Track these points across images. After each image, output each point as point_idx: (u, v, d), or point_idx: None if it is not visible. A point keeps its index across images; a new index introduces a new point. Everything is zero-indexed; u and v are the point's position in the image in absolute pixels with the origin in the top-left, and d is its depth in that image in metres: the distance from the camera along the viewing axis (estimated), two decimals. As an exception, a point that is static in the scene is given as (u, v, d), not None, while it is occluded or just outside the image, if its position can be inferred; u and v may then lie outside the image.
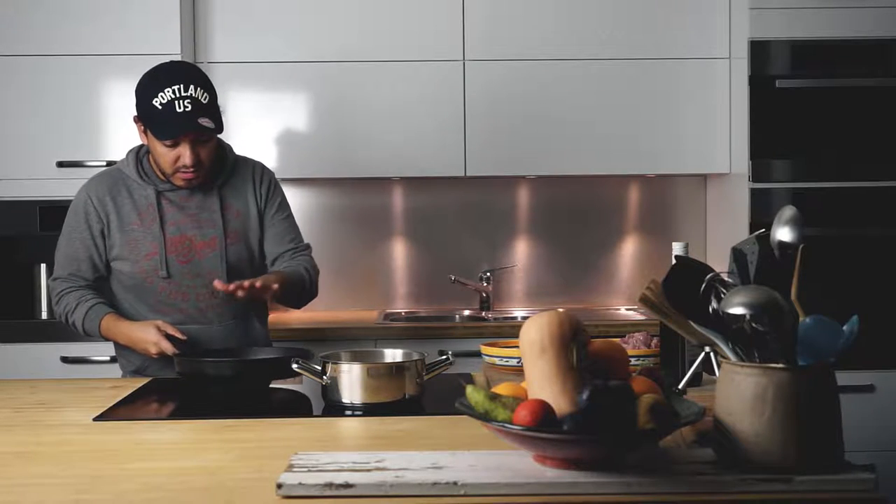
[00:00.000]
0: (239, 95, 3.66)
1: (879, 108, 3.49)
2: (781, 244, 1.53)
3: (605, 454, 1.43)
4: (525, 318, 3.34)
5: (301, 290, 2.56)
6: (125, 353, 2.58)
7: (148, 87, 2.43)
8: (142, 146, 2.56)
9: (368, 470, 1.43)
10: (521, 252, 4.03)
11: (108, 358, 3.41)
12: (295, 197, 3.97)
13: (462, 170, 3.68)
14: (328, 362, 2.03)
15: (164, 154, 2.43)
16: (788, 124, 3.49)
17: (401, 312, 3.88)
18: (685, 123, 3.71)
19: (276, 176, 3.86)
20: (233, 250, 2.54)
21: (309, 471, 1.43)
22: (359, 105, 3.64)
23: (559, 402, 1.46)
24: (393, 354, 2.17)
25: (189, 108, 2.37)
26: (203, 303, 2.53)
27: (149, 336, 2.37)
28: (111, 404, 2.07)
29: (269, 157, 3.66)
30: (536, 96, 3.68)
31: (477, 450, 1.57)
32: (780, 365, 1.41)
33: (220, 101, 2.48)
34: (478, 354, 2.45)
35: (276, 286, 2.39)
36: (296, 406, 2.08)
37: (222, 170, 2.57)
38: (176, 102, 2.37)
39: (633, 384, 1.49)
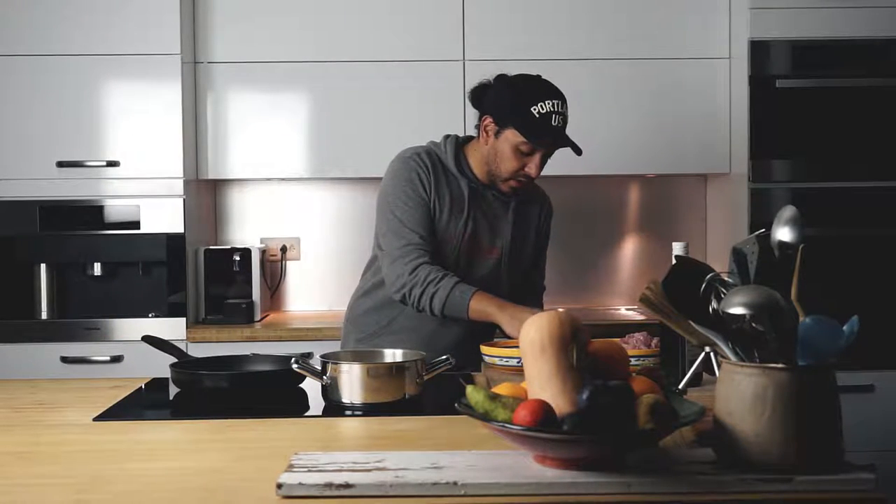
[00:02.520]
0: (239, 95, 3.66)
1: (879, 108, 3.49)
2: (781, 244, 1.53)
3: (605, 454, 1.43)
4: (525, 318, 3.34)
5: None
6: (370, 316, 2.65)
7: (525, 94, 2.51)
8: (458, 139, 2.64)
9: (368, 470, 1.43)
10: (521, 252, 4.02)
11: (108, 358, 3.41)
12: (295, 197, 3.97)
13: (462, 170, 3.68)
14: (328, 362, 2.03)
15: (512, 159, 2.52)
16: (788, 124, 3.49)
17: (401, 312, 3.87)
18: (685, 123, 3.70)
19: (275, 176, 3.88)
20: (511, 267, 2.64)
21: (309, 471, 1.43)
22: (359, 105, 3.64)
23: (559, 402, 1.46)
24: (393, 354, 2.17)
25: (561, 125, 2.50)
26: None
27: (522, 316, 2.35)
28: (111, 404, 2.07)
29: (268, 157, 3.67)
30: (536, 96, 3.67)
31: (477, 450, 1.56)
32: (780, 365, 1.41)
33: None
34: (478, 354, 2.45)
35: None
36: (296, 406, 2.07)
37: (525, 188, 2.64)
38: (553, 116, 2.48)
39: (633, 384, 1.49)
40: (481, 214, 2.60)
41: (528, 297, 2.70)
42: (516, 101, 2.51)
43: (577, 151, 2.53)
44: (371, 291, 2.70)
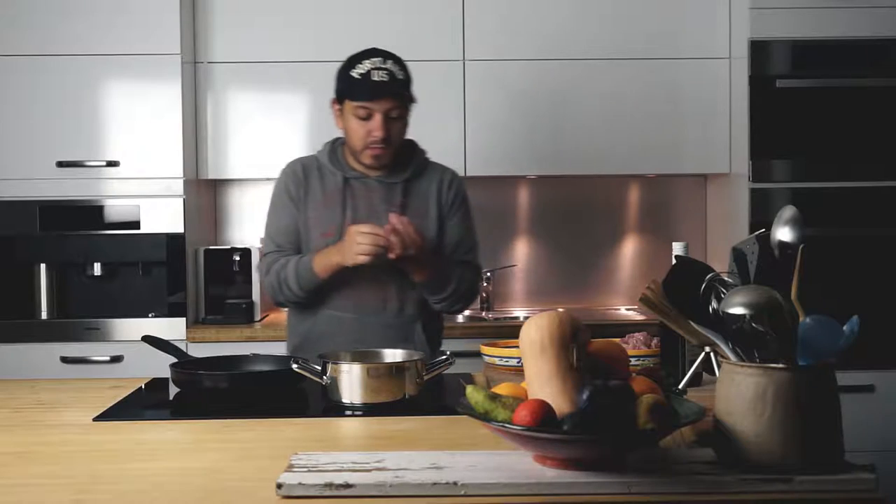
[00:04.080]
0: (239, 95, 3.66)
1: (879, 108, 3.49)
2: (781, 244, 1.53)
3: (605, 454, 1.43)
4: (525, 318, 3.35)
5: (450, 281, 2.55)
6: (290, 328, 2.66)
7: (347, 63, 2.55)
8: (337, 139, 2.66)
9: (368, 470, 1.43)
10: (521, 252, 4.03)
11: (108, 358, 3.41)
12: (295, 197, 3.97)
13: (462, 170, 3.68)
14: (328, 362, 2.03)
15: (357, 129, 2.52)
16: (788, 124, 3.49)
17: (401, 312, 3.87)
18: (685, 123, 3.71)
19: (275, 176, 3.86)
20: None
21: (309, 471, 1.43)
22: (359, 105, 3.64)
23: (559, 402, 1.46)
24: (393, 354, 2.17)
25: (386, 79, 2.49)
26: (368, 293, 2.54)
27: (351, 237, 2.39)
28: (111, 404, 2.07)
29: (268, 157, 3.66)
30: (537, 96, 3.68)
31: (477, 450, 1.57)
32: (780, 365, 1.41)
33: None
34: (478, 354, 2.45)
35: (420, 243, 2.43)
36: (296, 406, 2.07)
37: (409, 166, 2.63)
38: (373, 72, 2.49)
39: (633, 384, 1.49)
40: (364, 202, 2.58)
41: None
42: (341, 73, 2.56)
43: (408, 99, 2.54)
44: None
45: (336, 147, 2.66)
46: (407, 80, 2.56)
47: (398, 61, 2.55)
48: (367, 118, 2.51)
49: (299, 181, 2.61)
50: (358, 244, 2.37)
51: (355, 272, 2.48)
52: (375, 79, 2.48)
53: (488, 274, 3.92)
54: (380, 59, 2.52)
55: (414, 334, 2.58)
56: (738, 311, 1.42)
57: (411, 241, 2.41)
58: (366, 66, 2.50)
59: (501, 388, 1.56)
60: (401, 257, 2.41)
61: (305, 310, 2.59)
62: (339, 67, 2.58)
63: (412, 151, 2.68)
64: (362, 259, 2.38)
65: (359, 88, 2.50)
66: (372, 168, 2.59)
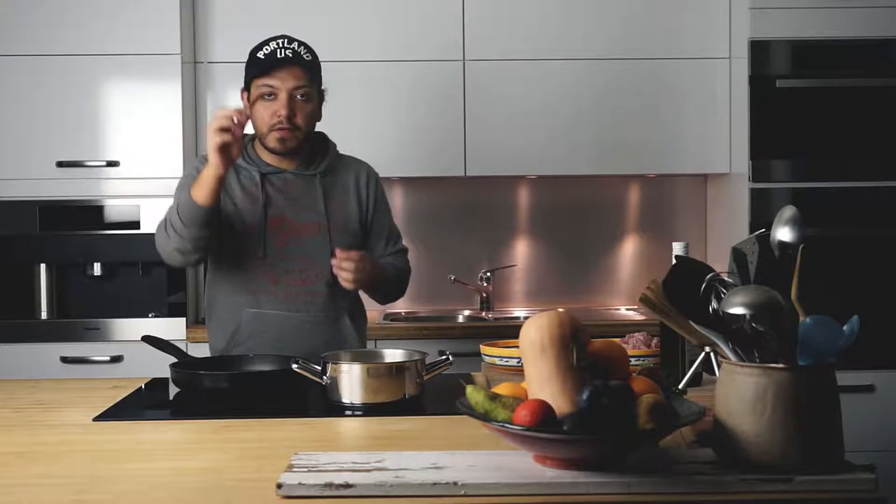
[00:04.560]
0: (239, 95, 3.65)
1: (879, 108, 3.49)
2: (781, 244, 1.53)
3: (605, 454, 1.43)
4: (525, 318, 3.34)
5: (391, 283, 2.62)
6: (213, 330, 2.59)
7: (255, 47, 2.51)
8: (246, 135, 2.55)
9: (368, 470, 1.43)
10: (521, 252, 4.03)
11: (108, 358, 3.41)
12: (295, 197, 3.97)
13: (462, 170, 3.68)
14: (328, 362, 2.03)
15: (261, 111, 2.47)
16: (788, 124, 3.49)
17: (401, 312, 3.88)
18: (685, 123, 3.71)
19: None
20: (337, 237, 2.55)
21: (309, 471, 1.43)
22: (358, 105, 3.64)
23: (559, 402, 1.46)
24: (393, 354, 2.17)
25: (290, 56, 2.46)
26: (294, 289, 2.52)
27: (209, 134, 2.26)
28: (111, 404, 2.07)
29: (269, 157, 3.66)
30: (536, 96, 3.68)
31: (477, 450, 1.57)
32: (780, 365, 1.41)
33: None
34: (478, 354, 2.45)
35: (369, 266, 2.45)
36: (296, 406, 2.07)
37: (324, 159, 2.60)
38: (278, 51, 2.46)
39: (633, 384, 1.49)
40: (282, 196, 2.53)
41: (395, 255, 2.66)
42: (248, 60, 2.52)
43: (317, 81, 2.50)
44: (214, 300, 2.60)
45: (247, 143, 2.59)
46: (314, 62, 2.52)
47: (306, 46, 2.52)
48: (272, 97, 2.46)
49: None
50: (210, 129, 2.24)
51: (279, 269, 2.47)
52: (280, 56, 2.45)
53: (488, 274, 3.92)
54: (286, 40, 2.49)
55: (343, 329, 2.57)
56: (738, 311, 1.42)
57: (362, 266, 2.41)
58: (271, 46, 2.47)
59: (501, 388, 1.56)
60: (356, 283, 2.43)
61: (231, 310, 2.53)
62: (247, 58, 2.53)
63: (325, 144, 2.64)
64: (220, 138, 2.22)
65: (263, 65, 2.46)
66: (278, 153, 2.52)
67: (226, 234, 2.50)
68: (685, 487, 1.37)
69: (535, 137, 3.68)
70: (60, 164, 3.45)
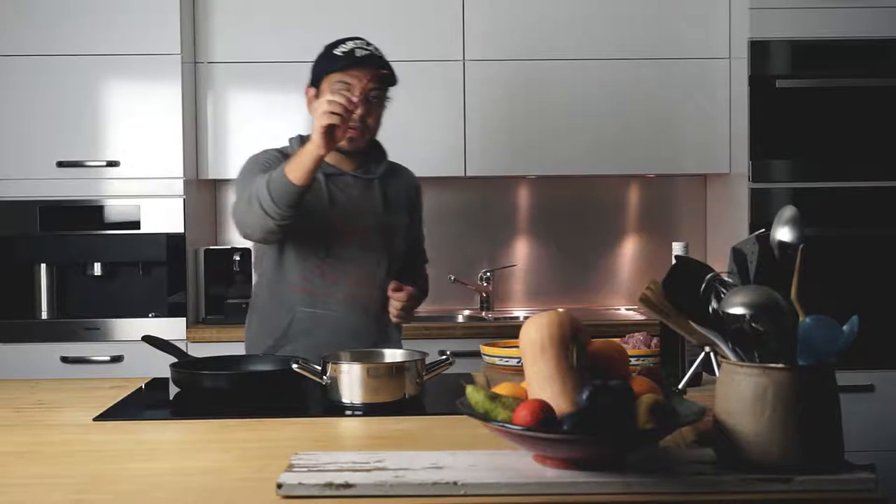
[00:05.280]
0: (239, 95, 3.66)
1: (879, 108, 3.49)
2: (781, 244, 1.53)
3: (605, 454, 1.43)
4: (525, 318, 3.34)
5: (419, 303, 2.67)
6: (258, 327, 2.61)
7: (328, 47, 2.50)
8: (304, 136, 2.55)
9: (368, 470, 1.43)
10: (521, 252, 4.03)
11: (108, 358, 3.41)
12: (295, 197, 3.97)
13: (462, 170, 3.68)
14: (328, 362, 2.03)
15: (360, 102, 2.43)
16: (788, 124, 3.49)
17: (401, 312, 3.87)
18: (685, 123, 3.71)
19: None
20: (392, 243, 2.57)
21: (309, 471, 1.43)
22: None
23: (559, 402, 1.46)
24: (393, 354, 2.17)
25: (368, 55, 2.45)
26: (349, 291, 2.51)
27: (318, 114, 2.21)
28: (111, 404, 2.07)
29: (269, 157, 3.66)
30: (536, 96, 3.68)
31: (477, 450, 1.56)
32: (780, 365, 1.41)
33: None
34: (478, 354, 2.45)
35: (415, 304, 2.53)
36: (296, 406, 2.07)
37: (381, 163, 2.61)
38: (356, 50, 2.45)
39: (633, 384, 1.49)
40: (344, 197, 2.53)
41: (408, 276, 2.62)
42: (321, 57, 2.50)
43: (392, 78, 2.48)
44: (265, 297, 2.61)
45: (306, 141, 2.53)
46: (389, 66, 2.50)
47: (380, 51, 2.52)
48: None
49: (276, 166, 2.43)
50: (321, 111, 2.19)
51: (337, 265, 2.47)
52: (359, 54, 2.45)
53: (488, 274, 3.92)
54: (363, 41, 2.49)
55: (391, 334, 2.58)
56: (738, 311, 1.42)
57: (411, 305, 2.48)
58: (349, 44, 2.47)
59: (501, 388, 1.56)
60: (403, 320, 2.51)
61: (282, 307, 2.53)
62: (318, 56, 2.51)
63: (380, 149, 2.65)
64: (329, 120, 2.17)
65: (342, 61, 2.44)
66: (343, 152, 2.49)
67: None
68: (685, 487, 1.37)
69: (535, 137, 3.68)
70: (60, 164, 3.45)
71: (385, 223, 2.56)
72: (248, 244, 3.78)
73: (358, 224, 2.53)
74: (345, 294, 2.51)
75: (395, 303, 2.47)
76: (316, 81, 2.50)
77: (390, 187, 2.61)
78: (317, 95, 2.49)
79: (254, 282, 2.72)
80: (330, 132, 2.19)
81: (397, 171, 2.67)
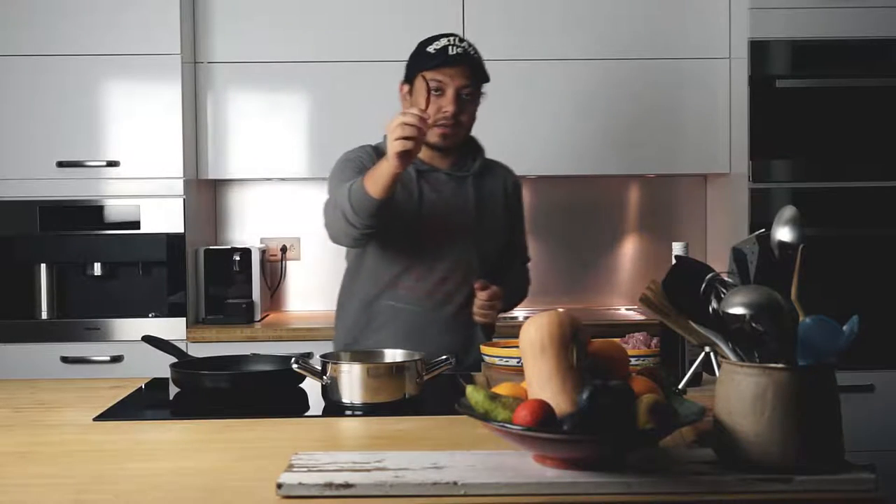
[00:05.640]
0: (239, 95, 3.66)
1: (879, 108, 3.49)
2: (781, 244, 1.53)
3: (605, 454, 1.43)
4: (525, 318, 3.34)
5: (515, 303, 2.73)
6: (344, 320, 2.62)
7: (421, 44, 2.52)
8: None
9: (368, 470, 1.43)
10: (521, 252, 4.02)
11: (108, 358, 3.41)
12: (295, 197, 3.97)
13: (462, 170, 3.68)
14: (328, 362, 2.03)
15: (429, 105, 2.43)
16: (788, 124, 3.49)
17: (401, 312, 3.87)
18: (685, 123, 3.71)
19: (276, 175, 3.87)
20: (483, 242, 2.57)
21: (309, 471, 1.43)
22: (358, 105, 3.64)
23: (559, 402, 1.46)
24: (393, 354, 2.17)
25: (462, 54, 2.46)
26: (435, 287, 2.52)
27: (391, 136, 2.17)
28: (111, 404, 2.07)
29: (268, 157, 3.67)
30: (536, 96, 3.68)
31: (477, 450, 1.56)
32: (780, 365, 1.41)
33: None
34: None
35: (500, 305, 2.54)
36: (296, 406, 2.07)
37: (475, 161, 2.61)
38: (450, 47, 2.46)
39: (633, 384, 1.49)
40: (436, 195, 2.54)
41: (500, 275, 2.62)
42: (415, 54, 2.53)
43: (484, 75, 2.50)
44: (350, 290, 2.65)
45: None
46: (482, 63, 2.52)
47: (474, 47, 2.52)
48: (439, 93, 2.46)
49: (374, 161, 2.44)
50: (394, 134, 2.14)
51: (424, 260, 2.49)
52: (452, 52, 2.45)
53: (488, 274, 3.92)
54: (457, 38, 2.50)
55: (475, 334, 2.57)
56: (738, 311, 1.42)
57: (495, 305, 2.50)
58: (442, 41, 2.48)
59: (501, 388, 1.56)
60: (488, 319, 2.52)
61: (367, 301, 2.55)
62: (412, 53, 2.54)
63: (476, 146, 2.65)
64: (402, 147, 2.13)
65: (435, 59, 2.45)
66: (437, 149, 2.52)
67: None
68: (685, 487, 1.37)
69: (535, 137, 3.68)
70: (60, 164, 3.45)
71: (475, 222, 2.56)
72: (248, 244, 3.80)
73: (447, 222, 2.54)
74: (427, 290, 2.52)
75: (479, 301, 2.47)
76: (409, 78, 2.53)
77: (484, 185, 2.61)
78: (410, 92, 2.52)
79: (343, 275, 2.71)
80: (404, 153, 2.17)
81: (493, 168, 2.68)
